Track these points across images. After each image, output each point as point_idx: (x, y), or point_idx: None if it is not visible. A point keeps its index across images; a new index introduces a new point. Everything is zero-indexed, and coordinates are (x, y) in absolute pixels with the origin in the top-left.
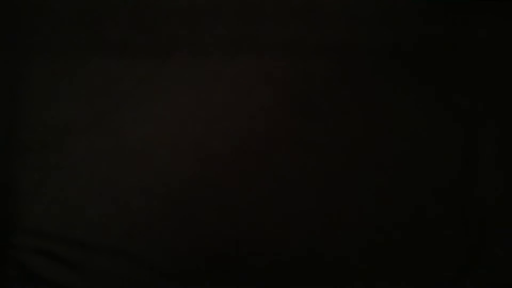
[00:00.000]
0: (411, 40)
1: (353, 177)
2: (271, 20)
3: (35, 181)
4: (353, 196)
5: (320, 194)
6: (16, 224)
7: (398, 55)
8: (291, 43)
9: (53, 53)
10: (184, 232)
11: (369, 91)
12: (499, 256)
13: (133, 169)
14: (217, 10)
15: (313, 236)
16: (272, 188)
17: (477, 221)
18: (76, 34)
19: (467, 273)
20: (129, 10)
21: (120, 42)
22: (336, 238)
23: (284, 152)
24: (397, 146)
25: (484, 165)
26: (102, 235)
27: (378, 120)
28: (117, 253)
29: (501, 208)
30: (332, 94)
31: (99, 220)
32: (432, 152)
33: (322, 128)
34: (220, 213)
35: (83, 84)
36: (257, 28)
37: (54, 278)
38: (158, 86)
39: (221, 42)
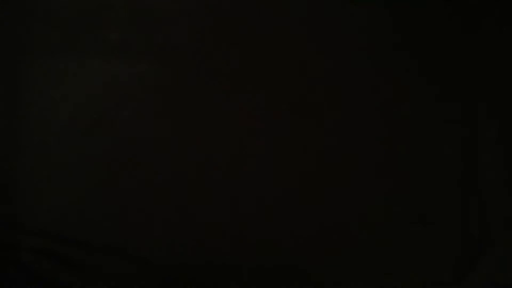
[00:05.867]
0: (412, 39)
1: (353, 177)
2: (270, 20)
3: (35, 181)
4: (353, 196)
5: (320, 195)
6: (16, 224)
7: (398, 55)
8: (290, 43)
9: (53, 53)
10: (184, 232)
11: (369, 91)
12: (499, 256)
13: (133, 169)
14: (216, 11)
15: (312, 236)
16: (272, 188)
17: (477, 221)
18: (76, 34)
19: (467, 274)
20: (129, 10)
21: (120, 42)
22: (334, 238)
23: (284, 153)
24: (396, 146)
25: (484, 165)
26: (102, 235)
27: (378, 120)
28: (117, 253)
29: (501, 208)
30: (332, 94)
31: (99, 220)
32: (432, 152)
33: (322, 128)
34: (220, 213)
35: (83, 84)
36: (256, 28)
37: (54, 278)
38: (158, 86)
39: (220, 42)
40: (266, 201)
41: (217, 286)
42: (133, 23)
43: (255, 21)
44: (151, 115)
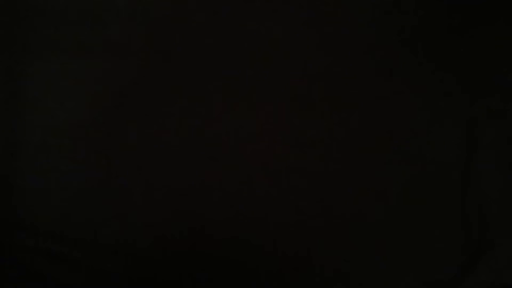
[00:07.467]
0: (412, 39)
1: (353, 176)
2: (270, 20)
3: (35, 181)
4: (352, 196)
5: (320, 194)
6: (16, 224)
7: (398, 55)
8: (290, 43)
9: (53, 53)
10: (184, 232)
11: (369, 90)
12: (499, 256)
13: (133, 169)
14: (215, 11)
15: (312, 236)
16: (271, 188)
17: (477, 221)
18: (76, 34)
19: (467, 274)
20: (129, 10)
21: (120, 42)
22: (334, 237)
23: (284, 152)
24: (397, 145)
25: (485, 165)
26: (101, 235)
27: (378, 119)
28: (117, 252)
29: (501, 208)
30: (332, 93)
31: (99, 220)
32: (431, 152)
33: (322, 127)
34: (220, 213)
35: (83, 84)
36: (257, 29)
37: (54, 278)
38: (158, 86)
39: (220, 42)
40: (266, 202)
41: (217, 283)
42: (133, 23)
43: (255, 20)
44: (151, 115)
